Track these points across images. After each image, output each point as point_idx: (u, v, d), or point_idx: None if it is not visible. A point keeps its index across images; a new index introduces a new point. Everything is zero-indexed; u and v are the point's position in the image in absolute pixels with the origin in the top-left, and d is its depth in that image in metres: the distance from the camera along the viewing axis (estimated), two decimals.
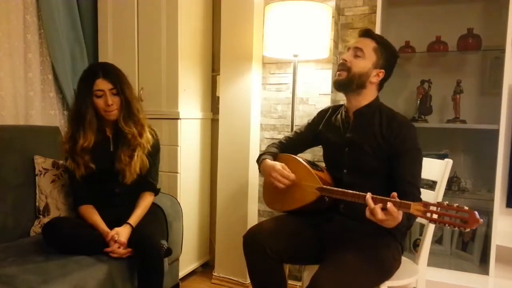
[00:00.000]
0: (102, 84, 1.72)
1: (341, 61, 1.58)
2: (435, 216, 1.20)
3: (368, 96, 1.58)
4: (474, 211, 1.14)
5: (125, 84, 1.78)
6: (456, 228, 1.17)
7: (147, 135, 1.82)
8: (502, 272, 2.04)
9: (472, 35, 2.09)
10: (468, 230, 1.15)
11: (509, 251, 2.09)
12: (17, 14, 2.17)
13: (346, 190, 1.42)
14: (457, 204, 1.17)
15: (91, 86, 1.72)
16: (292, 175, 1.58)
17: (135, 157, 1.77)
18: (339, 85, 1.59)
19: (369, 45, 1.55)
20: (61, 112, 2.44)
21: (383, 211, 1.25)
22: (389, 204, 1.24)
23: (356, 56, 1.55)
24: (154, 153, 1.87)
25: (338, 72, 1.58)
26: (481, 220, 1.15)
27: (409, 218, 1.36)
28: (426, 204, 1.22)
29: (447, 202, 1.19)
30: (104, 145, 1.81)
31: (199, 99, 2.52)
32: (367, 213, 1.29)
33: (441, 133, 2.25)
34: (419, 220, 1.42)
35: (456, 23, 2.17)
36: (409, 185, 1.45)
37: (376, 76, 1.56)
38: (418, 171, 1.50)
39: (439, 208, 1.19)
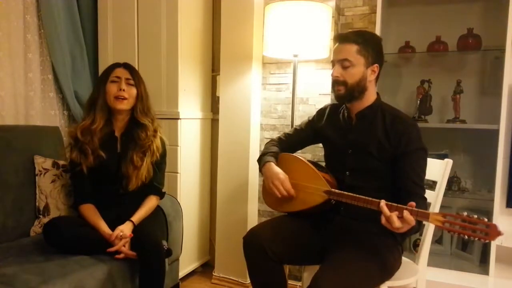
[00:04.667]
0: (120, 72, 1.78)
1: (332, 78, 1.55)
2: (454, 227, 1.19)
3: (369, 96, 1.56)
4: (495, 223, 1.14)
5: (142, 82, 1.83)
6: (477, 239, 1.16)
7: (158, 141, 1.83)
8: (502, 272, 2.04)
9: (472, 35, 2.09)
10: (487, 241, 1.14)
11: (509, 251, 2.10)
12: (17, 14, 2.16)
13: (358, 196, 1.40)
14: (476, 216, 1.16)
15: (110, 73, 1.77)
16: (292, 191, 1.58)
17: (144, 163, 1.77)
18: (342, 99, 1.57)
19: (351, 51, 1.49)
20: (61, 112, 2.44)
21: (399, 219, 1.24)
22: (406, 213, 1.23)
23: (344, 67, 1.50)
24: (161, 158, 1.87)
25: (337, 88, 1.54)
26: (503, 232, 1.14)
27: (419, 223, 1.34)
28: (446, 215, 1.21)
29: (466, 213, 1.19)
30: (112, 145, 1.80)
31: (199, 99, 2.51)
32: (383, 220, 1.27)
33: (441, 133, 2.25)
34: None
35: (456, 23, 2.17)
36: (414, 185, 1.44)
37: (372, 74, 1.53)
38: (424, 171, 1.48)
39: (458, 219, 1.18)
